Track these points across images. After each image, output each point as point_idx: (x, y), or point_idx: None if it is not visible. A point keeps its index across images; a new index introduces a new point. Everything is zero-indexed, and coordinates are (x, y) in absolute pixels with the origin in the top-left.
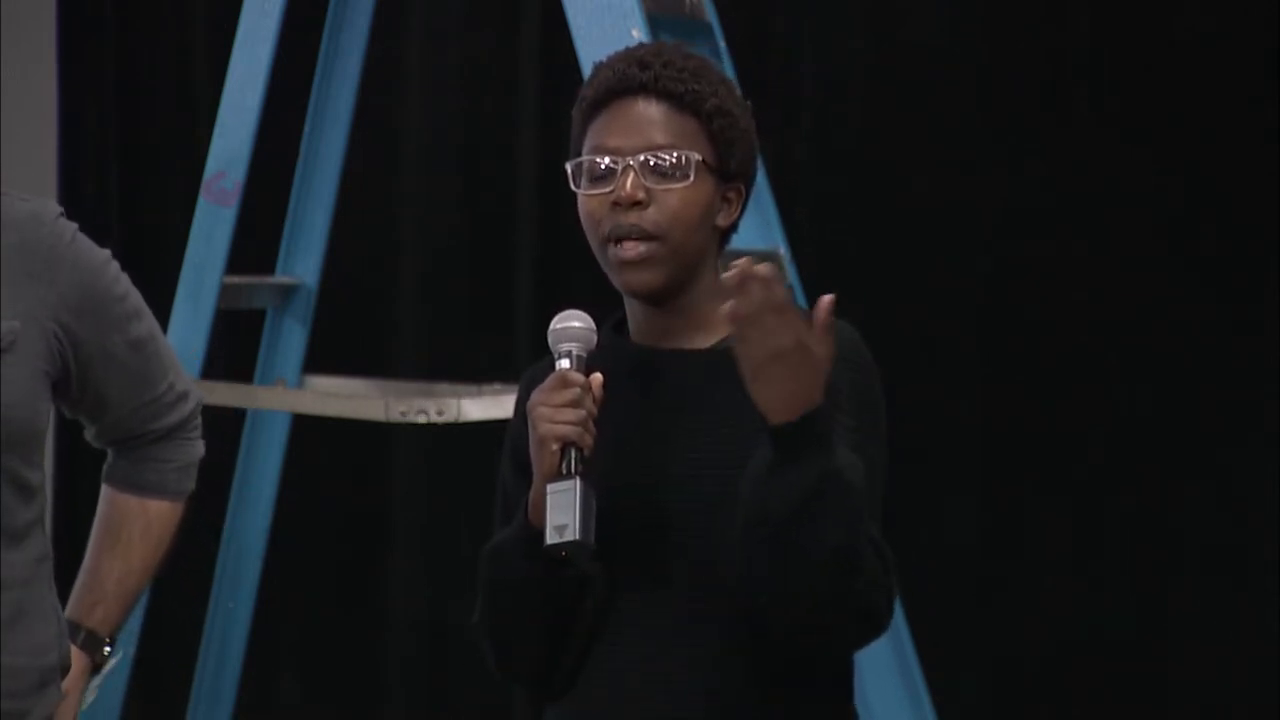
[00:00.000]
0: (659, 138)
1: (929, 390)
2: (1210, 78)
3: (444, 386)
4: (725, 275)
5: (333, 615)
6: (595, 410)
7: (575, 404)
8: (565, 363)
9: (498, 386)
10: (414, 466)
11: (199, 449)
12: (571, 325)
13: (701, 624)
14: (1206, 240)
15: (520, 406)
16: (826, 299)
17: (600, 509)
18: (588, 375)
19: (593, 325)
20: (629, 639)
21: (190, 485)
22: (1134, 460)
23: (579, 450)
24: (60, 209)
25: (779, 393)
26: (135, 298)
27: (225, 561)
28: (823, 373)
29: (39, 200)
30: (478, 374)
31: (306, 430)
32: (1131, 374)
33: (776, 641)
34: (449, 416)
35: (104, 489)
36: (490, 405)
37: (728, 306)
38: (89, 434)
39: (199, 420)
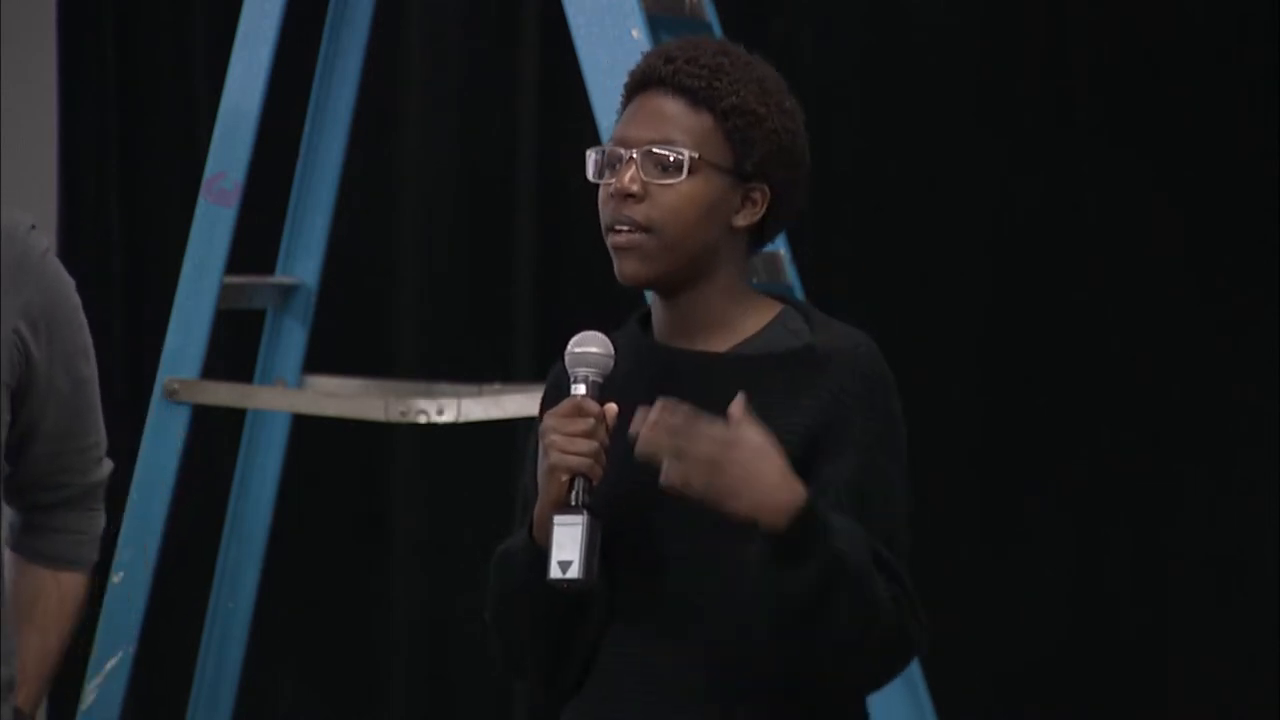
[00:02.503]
0: (666, 132)
1: (929, 389)
2: (1211, 76)
3: (444, 386)
4: (632, 439)
5: (333, 615)
6: (608, 441)
7: (588, 434)
8: (581, 389)
9: (498, 386)
10: (414, 466)
11: (103, 520)
12: (590, 350)
13: (707, 628)
14: (1207, 240)
15: (546, 406)
16: (737, 403)
17: (604, 513)
18: (602, 402)
19: (611, 350)
20: (632, 646)
21: (96, 557)
22: (1134, 460)
23: (588, 481)
24: (33, 222)
25: (750, 500)
26: (89, 335)
27: (225, 561)
28: (777, 457)
29: (12, 211)
30: (478, 374)
31: (306, 430)
32: (1132, 373)
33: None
34: (449, 416)
35: (12, 558)
36: (490, 405)
37: (637, 452)
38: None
39: (104, 492)
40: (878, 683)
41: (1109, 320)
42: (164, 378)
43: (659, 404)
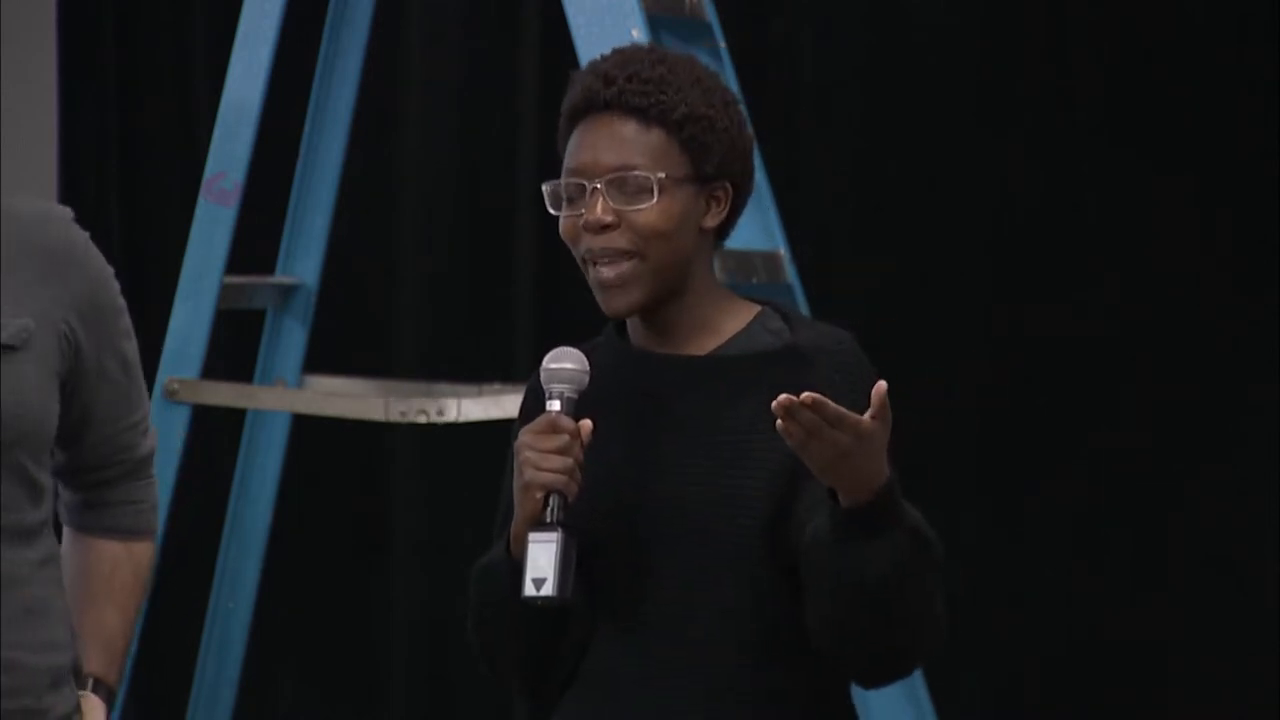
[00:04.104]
0: (624, 157)
1: (929, 389)
2: (1211, 76)
3: (444, 386)
4: (773, 406)
5: (333, 615)
6: (582, 457)
7: (563, 451)
8: (555, 405)
9: (498, 386)
10: (414, 466)
11: (157, 488)
12: (565, 367)
13: (692, 637)
14: (1208, 240)
15: (524, 418)
16: (881, 387)
17: (587, 518)
18: (577, 418)
19: (586, 366)
20: (617, 655)
21: (158, 524)
22: (1134, 460)
23: (563, 498)
24: (72, 213)
25: (850, 483)
26: (129, 318)
27: (225, 561)
28: (885, 447)
29: (51, 204)
30: (478, 374)
31: (306, 430)
32: (1132, 373)
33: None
34: (449, 416)
35: (77, 537)
36: (490, 405)
37: (779, 426)
38: (52, 464)
39: (153, 460)
40: (915, 666)
41: (1109, 320)
42: (164, 378)
43: (808, 398)
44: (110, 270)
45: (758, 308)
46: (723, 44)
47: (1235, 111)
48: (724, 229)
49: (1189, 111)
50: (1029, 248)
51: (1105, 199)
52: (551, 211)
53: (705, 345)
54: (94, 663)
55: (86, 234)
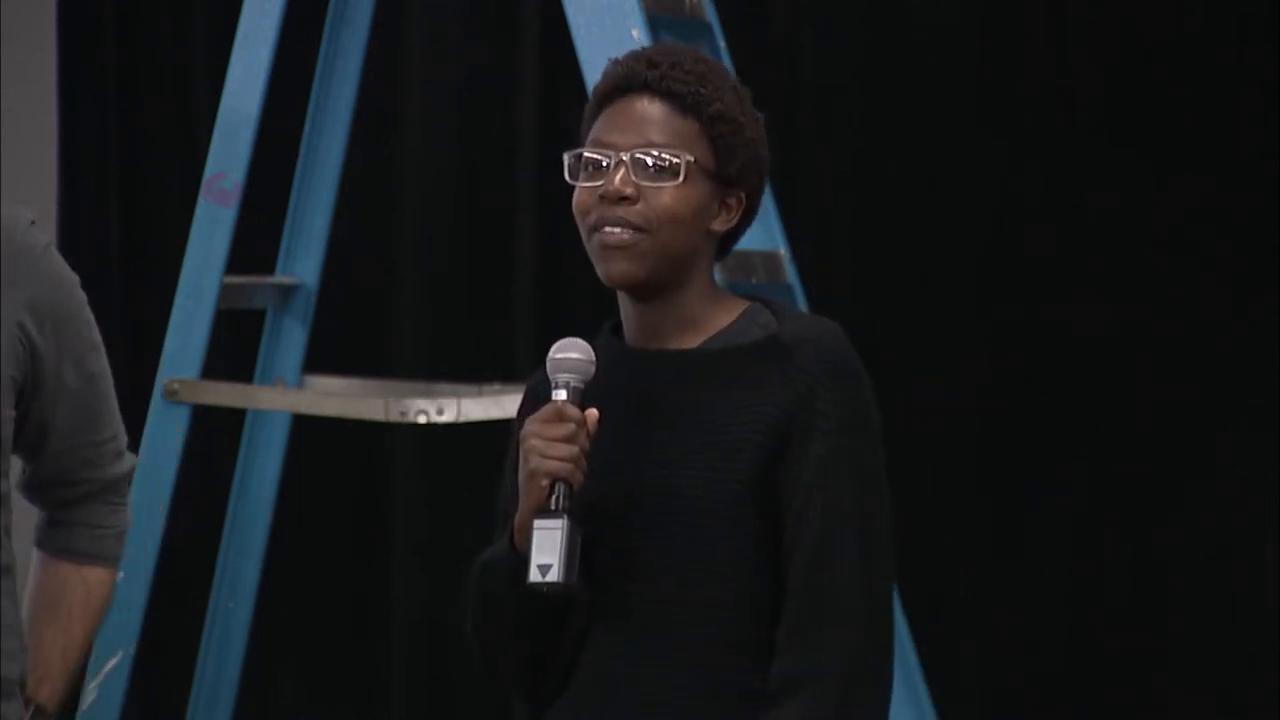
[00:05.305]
0: (654, 136)
1: (928, 390)
2: (1211, 76)
3: (444, 386)
4: None
5: (333, 615)
6: (588, 446)
7: (569, 439)
8: (562, 394)
9: (498, 386)
10: (414, 466)
11: (129, 517)
12: (570, 356)
13: (687, 633)
14: (1207, 240)
15: (523, 416)
16: None
17: (584, 514)
18: (583, 408)
19: (592, 356)
20: (613, 651)
21: (122, 552)
22: (1134, 460)
23: (569, 486)
24: (32, 217)
25: None
26: (97, 331)
27: (225, 561)
28: None
29: (11, 207)
30: (478, 374)
31: (306, 430)
32: (1132, 373)
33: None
34: (449, 416)
35: (40, 556)
36: (490, 405)
37: None
38: (19, 481)
39: (129, 487)
40: None
41: (1109, 320)
42: (164, 378)
43: None
44: (75, 278)
45: (747, 304)
46: (723, 44)
47: (1235, 111)
48: (728, 240)
49: (1189, 111)
50: (1029, 248)
51: (1105, 199)
52: (569, 180)
53: (693, 340)
54: (29, 683)
55: (48, 239)
